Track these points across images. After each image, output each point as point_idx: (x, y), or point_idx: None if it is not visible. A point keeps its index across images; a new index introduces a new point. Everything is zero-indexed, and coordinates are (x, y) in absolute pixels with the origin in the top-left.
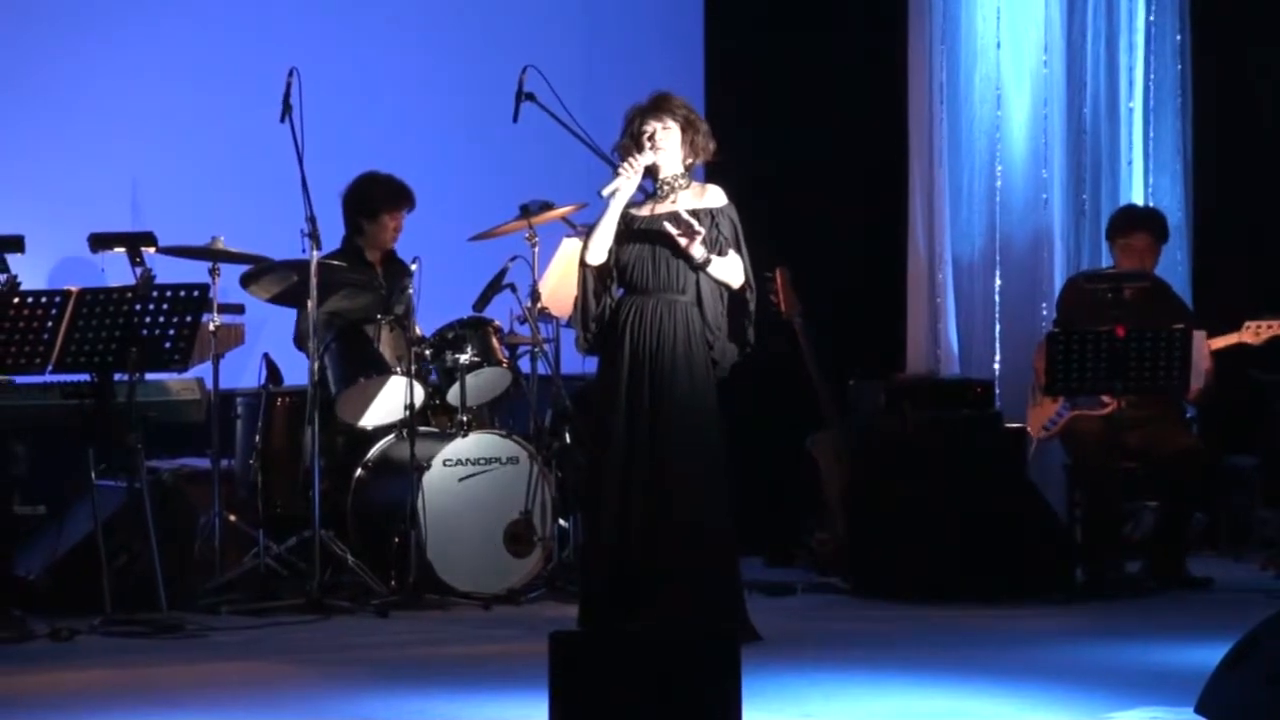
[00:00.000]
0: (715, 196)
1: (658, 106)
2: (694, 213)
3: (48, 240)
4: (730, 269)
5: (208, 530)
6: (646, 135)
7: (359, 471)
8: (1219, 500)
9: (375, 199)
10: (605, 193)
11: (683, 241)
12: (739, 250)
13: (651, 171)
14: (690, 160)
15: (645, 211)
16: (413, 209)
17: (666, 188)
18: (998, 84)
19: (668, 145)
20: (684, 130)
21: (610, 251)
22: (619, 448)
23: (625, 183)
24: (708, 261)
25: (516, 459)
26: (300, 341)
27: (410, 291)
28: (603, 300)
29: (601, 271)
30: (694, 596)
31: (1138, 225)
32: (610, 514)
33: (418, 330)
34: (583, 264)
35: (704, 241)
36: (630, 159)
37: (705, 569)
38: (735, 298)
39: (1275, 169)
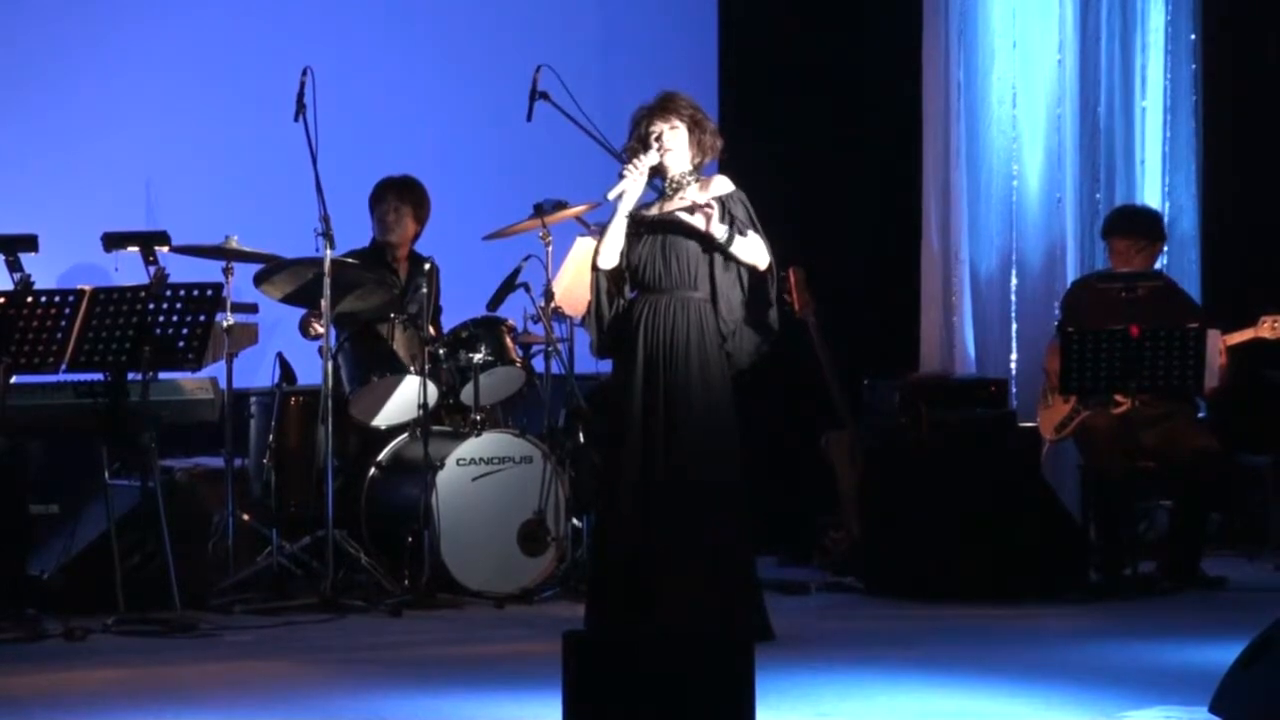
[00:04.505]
0: (721, 185)
1: (664, 107)
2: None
3: (61, 240)
4: (753, 248)
5: (221, 529)
6: (654, 136)
7: (372, 471)
8: (1233, 499)
9: (371, 196)
10: (611, 196)
11: (700, 223)
12: (757, 230)
13: (660, 171)
14: (699, 160)
15: (654, 211)
16: (410, 203)
17: (675, 186)
18: (1014, 83)
19: (675, 146)
20: (691, 130)
21: (621, 254)
22: (634, 447)
23: (631, 184)
24: (730, 240)
25: (530, 458)
26: (304, 327)
27: (424, 291)
28: (615, 303)
29: (614, 275)
30: (709, 596)
31: (1112, 230)
32: (625, 513)
33: (431, 330)
34: (595, 268)
35: (722, 219)
36: (635, 160)
37: (721, 568)
38: (757, 283)
39: None
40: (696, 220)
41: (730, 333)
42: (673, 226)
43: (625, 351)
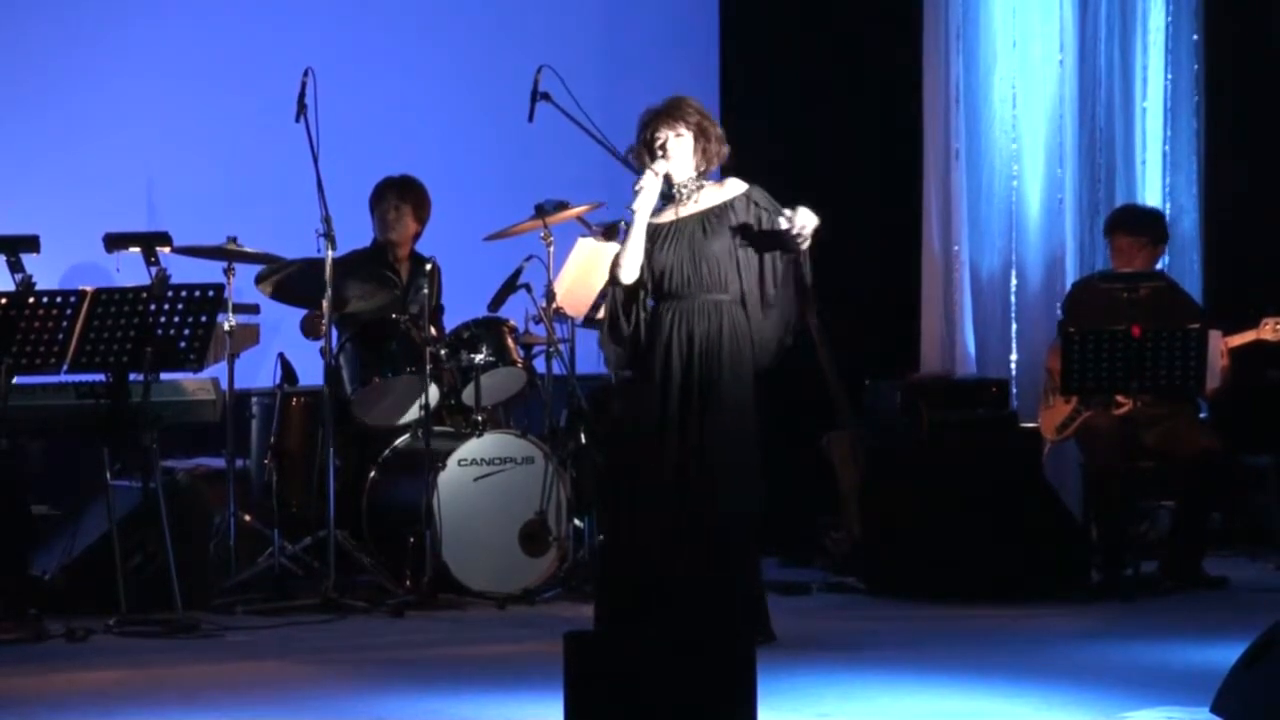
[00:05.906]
0: (735, 185)
1: (671, 114)
2: (729, 204)
3: (62, 240)
4: None
5: (223, 530)
6: (659, 144)
7: (374, 471)
8: (1235, 499)
9: (372, 195)
10: (635, 207)
11: (789, 224)
12: (783, 214)
13: (665, 178)
14: (704, 168)
15: (669, 217)
16: (411, 202)
17: (685, 191)
18: (1014, 83)
19: (679, 154)
20: (697, 139)
21: (641, 267)
22: (663, 449)
23: (648, 198)
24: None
25: (531, 459)
26: (306, 328)
27: (425, 291)
28: (634, 316)
29: (633, 289)
30: (719, 599)
31: (1115, 227)
32: (645, 515)
33: (433, 330)
34: (615, 283)
35: (756, 221)
36: (650, 169)
37: (732, 569)
38: (797, 266)
39: None
40: (791, 235)
41: (770, 333)
42: (693, 229)
43: (653, 360)
